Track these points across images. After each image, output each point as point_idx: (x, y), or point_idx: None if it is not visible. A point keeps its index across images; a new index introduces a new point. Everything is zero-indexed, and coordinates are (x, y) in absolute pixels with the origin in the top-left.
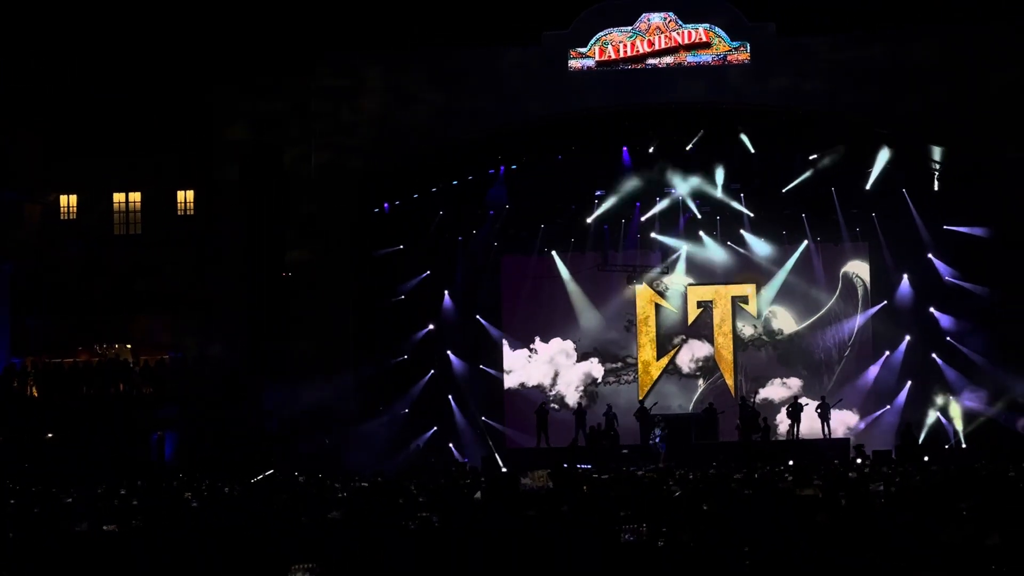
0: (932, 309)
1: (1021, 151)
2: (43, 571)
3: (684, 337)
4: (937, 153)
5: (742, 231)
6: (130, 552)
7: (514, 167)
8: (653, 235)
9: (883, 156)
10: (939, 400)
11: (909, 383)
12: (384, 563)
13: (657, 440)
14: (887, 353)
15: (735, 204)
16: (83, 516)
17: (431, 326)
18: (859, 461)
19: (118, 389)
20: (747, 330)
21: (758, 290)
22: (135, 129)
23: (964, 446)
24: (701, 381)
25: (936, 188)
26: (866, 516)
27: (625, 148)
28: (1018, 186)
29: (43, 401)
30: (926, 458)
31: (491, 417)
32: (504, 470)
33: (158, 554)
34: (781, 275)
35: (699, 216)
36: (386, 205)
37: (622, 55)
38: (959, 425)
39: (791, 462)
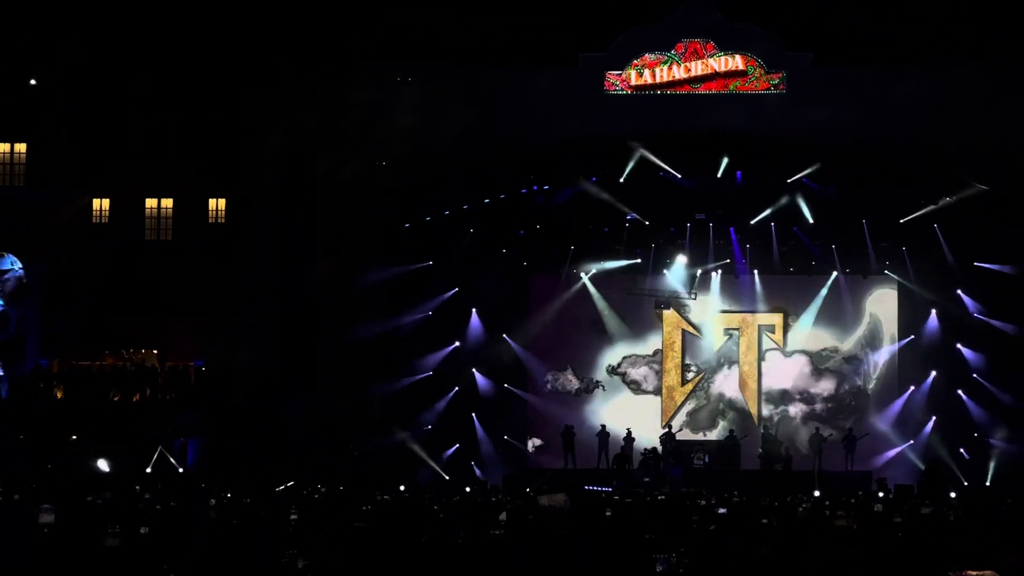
0: (959, 345)
1: None
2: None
3: (704, 369)
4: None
5: (771, 260)
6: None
7: (546, 187)
8: (682, 261)
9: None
10: (964, 438)
11: (934, 419)
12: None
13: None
14: (912, 388)
15: (764, 233)
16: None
17: (457, 343)
18: (881, 495)
19: (143, 394)
20: (773, 360)
21: (786, 320)
22: (170, 136)
23: (988, 485)
24: (721, 408)
25: (973, 225)
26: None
27: (660, 173)
28: None
29: (68, 403)
30: (953, 494)
31: (514, 437)
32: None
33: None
34: (813, 307)
35: (729, 244)
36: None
37: (659, 80)
38: (987, 464)
39: (816, 493)
